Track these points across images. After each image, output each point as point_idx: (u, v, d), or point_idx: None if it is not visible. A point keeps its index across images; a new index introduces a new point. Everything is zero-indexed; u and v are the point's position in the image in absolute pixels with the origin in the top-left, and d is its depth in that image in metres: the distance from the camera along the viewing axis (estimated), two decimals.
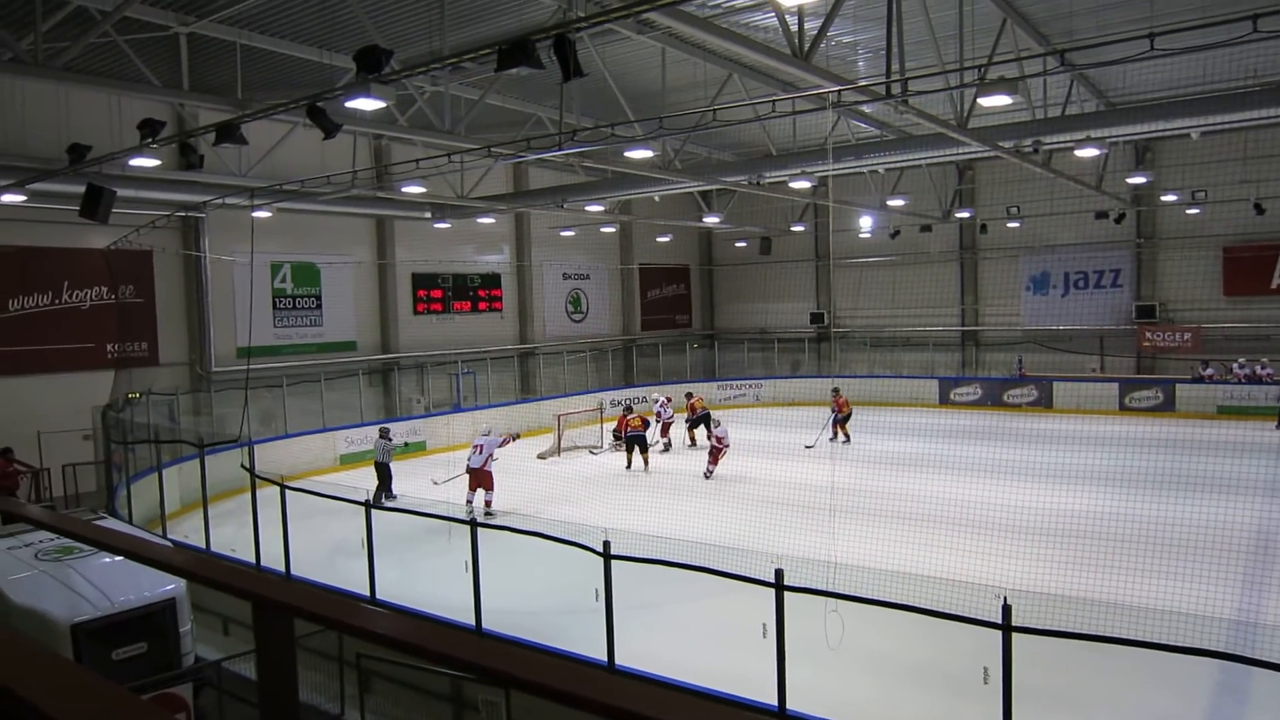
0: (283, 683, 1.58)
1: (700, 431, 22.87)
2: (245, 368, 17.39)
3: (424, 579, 12.08)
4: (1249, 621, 10.21)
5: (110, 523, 10.95)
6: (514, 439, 18.19)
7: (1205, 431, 23.21)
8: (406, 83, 15.18)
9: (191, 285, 22.07)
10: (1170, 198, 26.18)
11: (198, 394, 21.72)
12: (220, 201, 18.23)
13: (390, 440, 18.49)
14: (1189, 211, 26.31)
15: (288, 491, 11.85)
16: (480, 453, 16.64)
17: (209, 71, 16.34)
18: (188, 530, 14.46)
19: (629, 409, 22.02)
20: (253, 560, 12.13)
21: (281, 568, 11.61)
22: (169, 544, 11.20)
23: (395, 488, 17.69)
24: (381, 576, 10.66)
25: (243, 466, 13.50)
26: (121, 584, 7.88)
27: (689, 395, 24.73)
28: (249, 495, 12.67)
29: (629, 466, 20.86)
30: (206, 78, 16.53)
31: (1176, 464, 17.61)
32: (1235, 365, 25.85)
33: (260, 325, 22.63)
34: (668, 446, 23.35)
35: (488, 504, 16.52)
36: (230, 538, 13.35)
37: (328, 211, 22.97)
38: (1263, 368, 25.45)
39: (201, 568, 1.76)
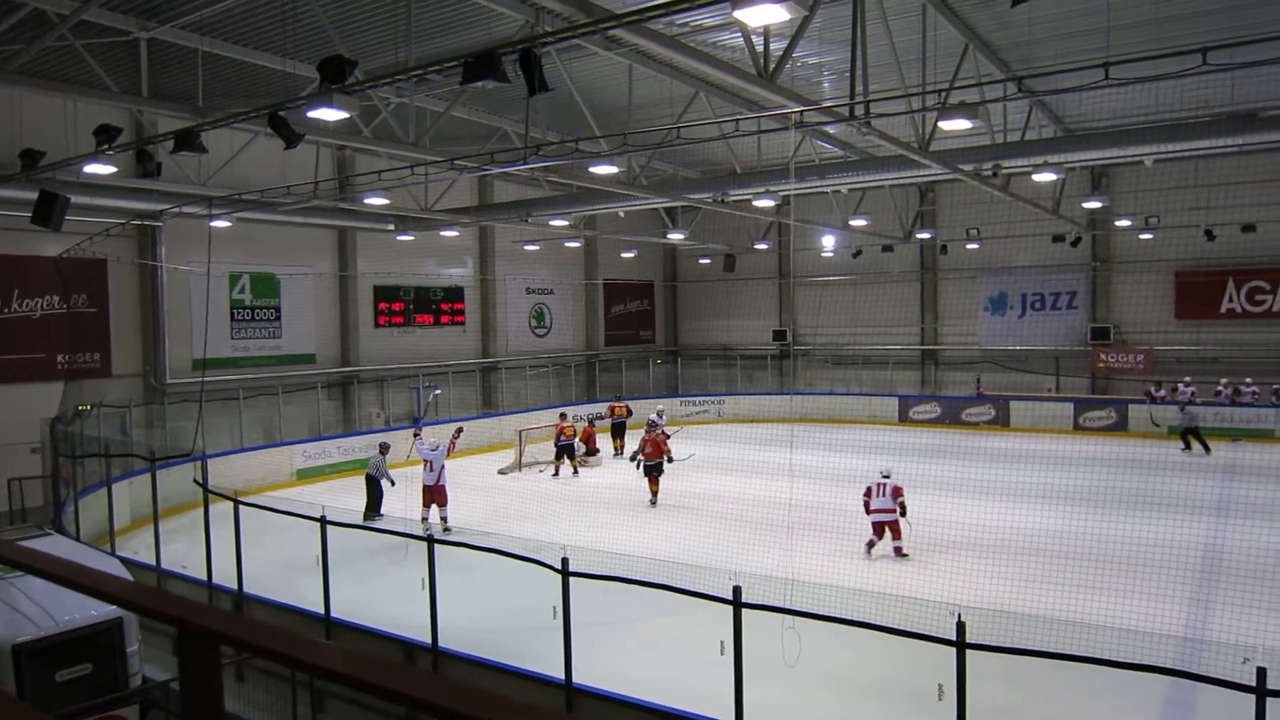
0: (209, 713, 1.53)
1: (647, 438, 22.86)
2: (200, 380, 17.10)
3: (380, 596, 11.91)
4: (1196, 638, 10.36)
5: (55, 539, 10.69)
6: (457, 435, 18.13)
7: (1156, 451, 23.70)
8: (371, 93, 15.08)
9: (146, 295, 21.68)
10: (1124, 223, 26.78)
11: (151, 406, 21.31)
12: (177, 210, 17.96)
13: (386, 456, 17.72)
14: (1142, 236, 26.90)
15: (242, 507, 11.64)
16: (432, 468, 16.41)
17: (169, 78, 16.12)
18: (138, 547, 14.14)
19: (563, 415, 22.80)
20: (204, 578, 11.90)
21: (234, 584, 11.41)
22: (117, 560, 10.96)
23: (365, 502, 17.29)
24: (337, 594, 10.49)
25: (196, 481, 13.25)
26: (66, 603, 7.65)
27: (613, 401, 25.14)
28: (202, 511, 12.43)
29: (556, 474, 21.79)
30: (166, 84, 16.31)
31: (1128, 483, 17.92)
32: (1219, 386, 26.35)
33: (217, 336, 22.31)
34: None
35: (443, 519, 16.33)
36: (182, 554, 13.08)
37: (288, 222, 22.72)
38: (1246, 386, 25.98)
39: (124, 591, 1.71)
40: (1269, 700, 5.64)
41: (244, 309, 23.78)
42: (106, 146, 12.64)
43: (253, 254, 23.69)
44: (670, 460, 18.73)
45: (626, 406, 26.38)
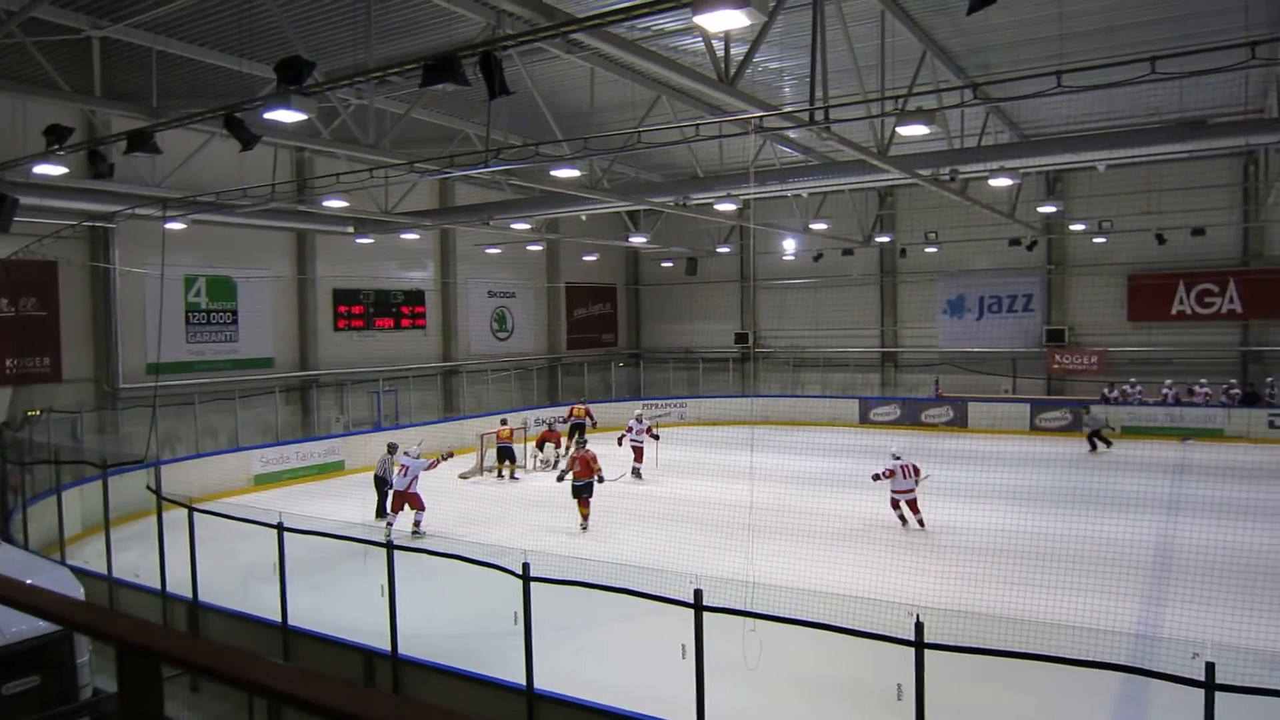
0: None
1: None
2: (154, 385, 16.80)
3: (340, 603, 11.78)
4: (1149, 635, 10.56)
5: (3, 548, 10.45)
6: (446, 458, 18.17)
7: (1111, 451, 24.16)
8: (330, 95, 14.91)
9: (99, 298, 21.25)
10: (1078, 227, 27.27)
11: (103, 412, 20.89)
12: (131, 212, 17.63)
13: (393, 455, 17.63)
14: (1096, 240, 27.41)
15: (197, 514, 11.44)
16: (405, 474, 16.43)
17: (122, 77, 15.83)
18: (89, 555, 13.84)
19: (504, 421, 22.97)
20: (158, 586, 11.68)
21: (189, 593, 11.21)
22: (66, 569, 10.72)
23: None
24: (295, 602, 10.35)
25: (149, 488, 12.99)
26: (13, 614, 7.43)
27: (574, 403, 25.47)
28: (155, 518, 12.19)
29: (500, 476, 22.03)
30: (119, 83, 16.01)
31: (1083, 482, 18.25)
32: (1164, 388, 26.89)
33: (172, 341, 21.95)
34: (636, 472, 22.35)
35: (416, 524, 16.32)
36: (135, 563, 12.81)
37: (245, 224, 22.39)
38: (1200, 387, 26.54)
39: (57, 608, 1.66)
40: (1217, 693, 5.76)
41: (199, 312, 23.40)
42: (57, 147, 12.38)
43: (209, 257, 23.32)
44: (601, 480, 17.26)
45: (587, 409, 26.38)
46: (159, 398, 16.58)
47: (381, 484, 17.46)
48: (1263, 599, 10.51)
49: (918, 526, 16.43)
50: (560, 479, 17.77)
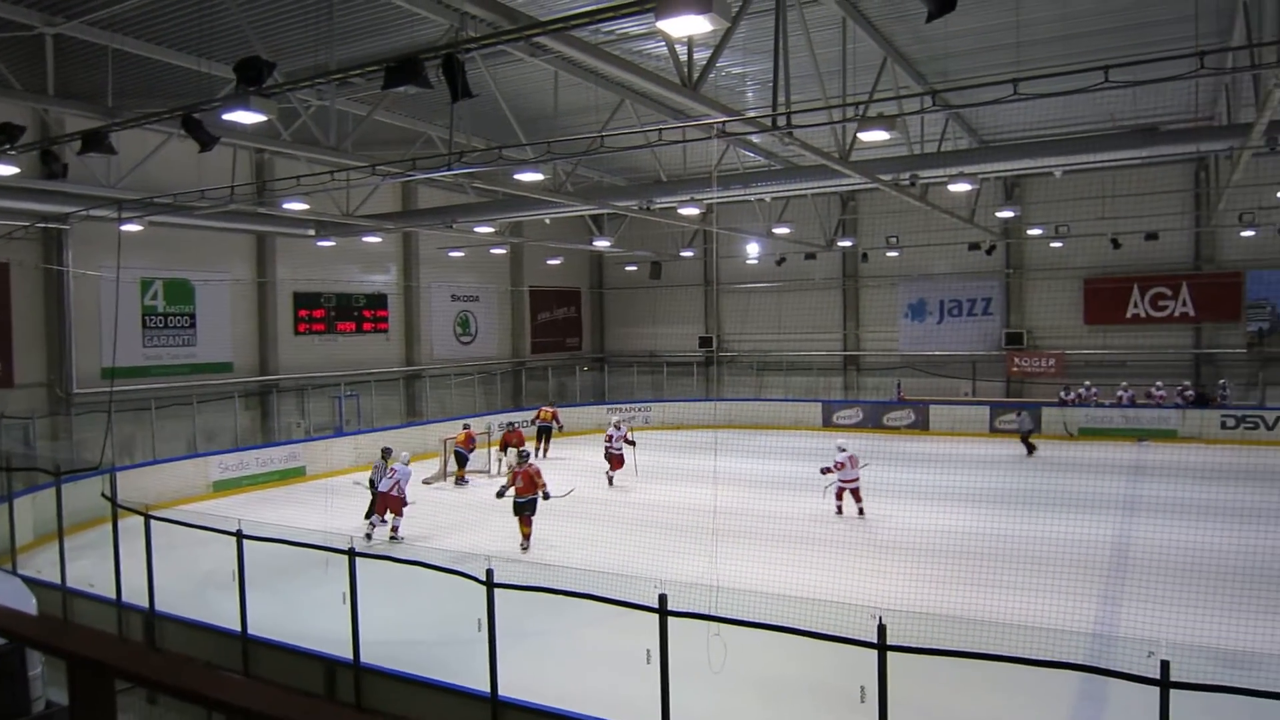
0: None
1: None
2: (109, 390, 16.49)
3: (301, 612, 11.63)
4: (1106, 634, 10.74)
5: None
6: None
7: (1068, 452, 24.55)
8: (290, 96, 14.75)
9: (52, 301, 20.80)
10: (1036, 231, 27.69)
11: (56, 417, 20.45)
12: (85, 214, 17.29)
13: (388, 461, 17.39)
14: (1053, 245, 27.87)
15: (153, 522, 11.24)
16: (391, 476, 16.54)
17: (77, 76, 15.54)
18: (41, 564, 13.55)
19: (466, 426, 22.80)
20: (113, 596, 11.46)
21: (145, 602, 11.01)
22: (18, 579, 10.50)
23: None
24: (255, 610, 10.20)
25: (104, 495, 12.75)
26: None
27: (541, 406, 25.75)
28: (111, 526, 11.97)
29: (458, 482, 21.93)
30: (74, 82, 15.71)
31: (1041, 483, 18.51)
32: (1119, 390, 27.35)
33: (128, 345, 21.52)
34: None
35: (394, 530, 16.45)
36: (89, 572, 12.56)
37: (204, 226, 22.05)
38: (1157, 390, 26.97)
39: (9, 623, 1.62)
40: (1172, 691, 5.86)
41: (156, 316, 23.01)
42: (9, 146, 12.14)
43: (166, 259, 22.93)
44: (546, 498, 16.00)
45: (554, 412, 26.33)
46: (115, 403, 16.28)
47: (373, 487, 17.49)
48: (1216, 598, 10.73)
49: (857, 515, 17.18)
50: (500, 494, 16.12)
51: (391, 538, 16.27)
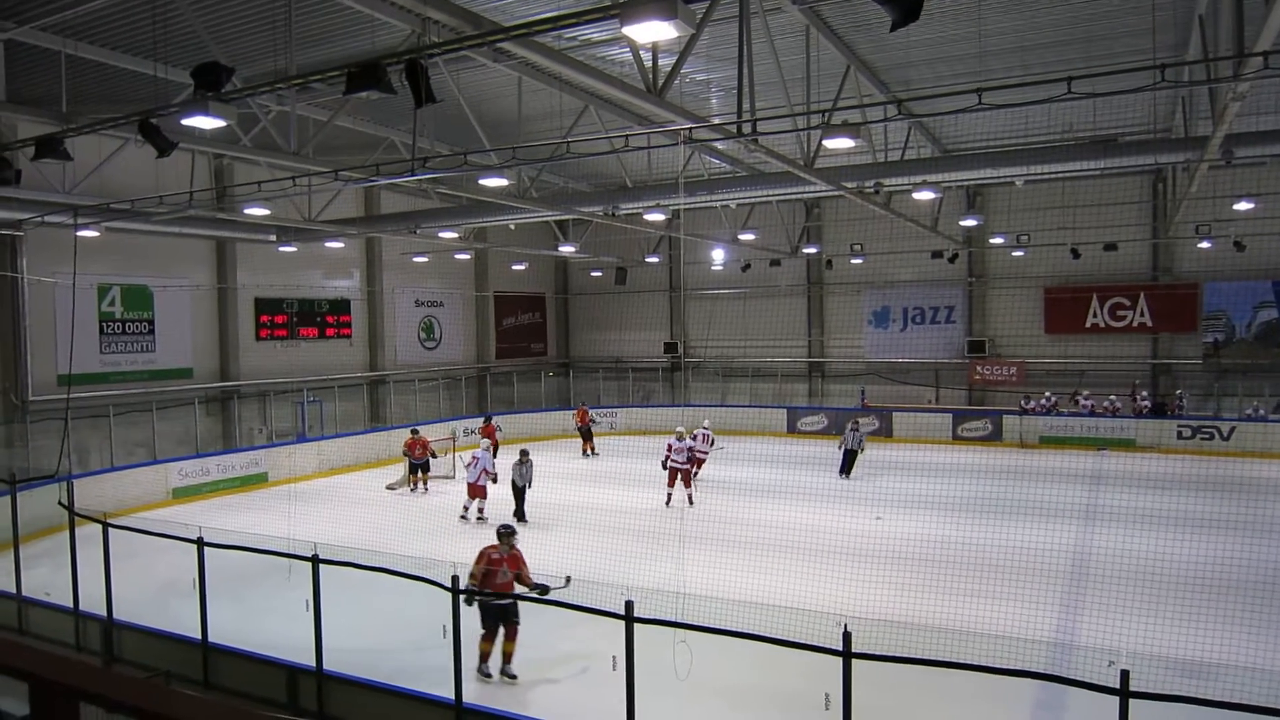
0: None
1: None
2: (66, 396, 16.19)
3: (263, 619, 11.48)
4: (1065, 642, 10.87)
5: None
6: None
7: (1029, 460, 24.88)
8: (250, 101, 14.59)
9: (6, 308, 20.35)
10: (998, 240, 28.06)
11: (11, 425, 20.03)
12: (40, 220, 16.96)
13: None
14: (1014, 254, 28.22)
15: (111, 529, 11.04)
16: (475, 465, 18.06)
17: (30, 81, 15.25)
18: None
19: (414, 432, 22.64)
20: (70, 604, 11.24)
21: (103, 611, 10.81)
22: None
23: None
24: (216, 617, 10.05)
25: (60, 503, 12.50)
26: None
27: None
28: (68, 534, 11.74)
29: (414, 489, 21.85)
30: (26, 87, 15.43)
31: (1003, 491, 18.73)
32: (1081, 398, 27.72)
33: (85, 351, 21.14)
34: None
35: (480, 511, 18.00)
36: (46, 580, 12.32)
37: (163, 232, 21.72)
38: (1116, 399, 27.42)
39: None
40: (1131, 700, 5.92)
41: (114, 322, 22.61)
42: None
43: (124, 265, 22.55)
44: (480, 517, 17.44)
45: (586, 411, 27.39)
46: (72, 409, 15.98)
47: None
48: (1175, 607, 10.85)
49: (688, 504, 18.09)
50: (469, 602, 9.39)
51: (479, 519, 17.84)
